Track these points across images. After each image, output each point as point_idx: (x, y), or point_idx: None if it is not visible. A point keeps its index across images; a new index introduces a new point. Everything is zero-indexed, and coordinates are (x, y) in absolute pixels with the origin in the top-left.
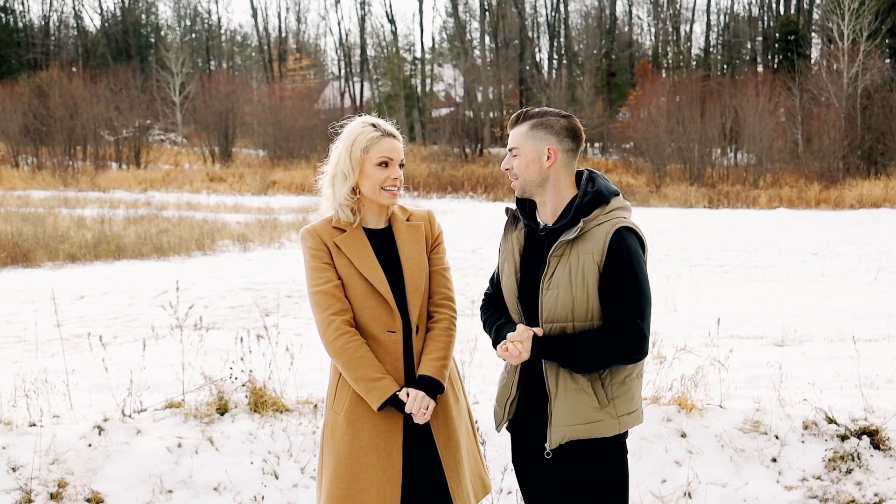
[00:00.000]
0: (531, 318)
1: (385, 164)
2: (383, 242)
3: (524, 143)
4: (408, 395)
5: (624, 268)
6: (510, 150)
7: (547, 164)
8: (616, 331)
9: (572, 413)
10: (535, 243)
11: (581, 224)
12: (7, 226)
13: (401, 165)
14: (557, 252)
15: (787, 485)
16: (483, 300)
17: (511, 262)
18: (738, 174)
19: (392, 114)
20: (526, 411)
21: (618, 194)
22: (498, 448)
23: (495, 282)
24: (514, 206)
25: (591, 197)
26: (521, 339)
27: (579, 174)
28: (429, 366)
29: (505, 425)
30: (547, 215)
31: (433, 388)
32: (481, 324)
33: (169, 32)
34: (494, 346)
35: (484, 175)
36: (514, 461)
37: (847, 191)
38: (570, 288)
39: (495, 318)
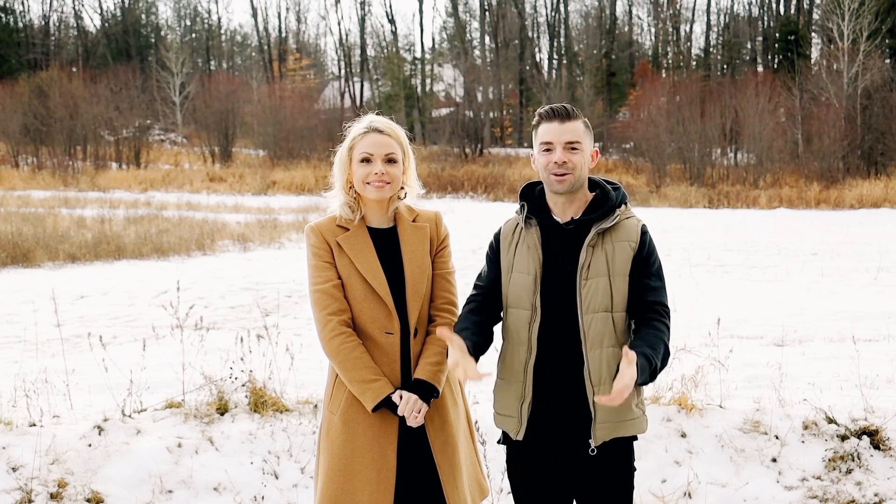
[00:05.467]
0: (552, 312)
1: (366, 160)
2: (387, 243)
3: (585, 140)
4: (401, 397)
5: (655, 261)
6: (569, 143)
7: (592, 165)
8: (660, 319)
9: (618, 409)
10: (555, 238)
11: (618, 213)
12: (7, 226)
13: (391, 161)
14: (592, 241)
15: (787, 485)
16: (469, 305)
17: (533, 258)
18: (738, 174)
19: (392, 114)
20: (541, 418)
21: None
22: (498, 448)
23: (487, 281)
24: (524, 203)
25: (622, 193)
26: (623, 389)
27: (589, 179)
28: (425, 370)
29: (524, 431)
30: (569, 212)
31: (427, 391)
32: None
33: (169, 32)
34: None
35: (484, 175)
36: (517, 468)
37: (847, 191)
38: (609, 276)
39: (470, 329)
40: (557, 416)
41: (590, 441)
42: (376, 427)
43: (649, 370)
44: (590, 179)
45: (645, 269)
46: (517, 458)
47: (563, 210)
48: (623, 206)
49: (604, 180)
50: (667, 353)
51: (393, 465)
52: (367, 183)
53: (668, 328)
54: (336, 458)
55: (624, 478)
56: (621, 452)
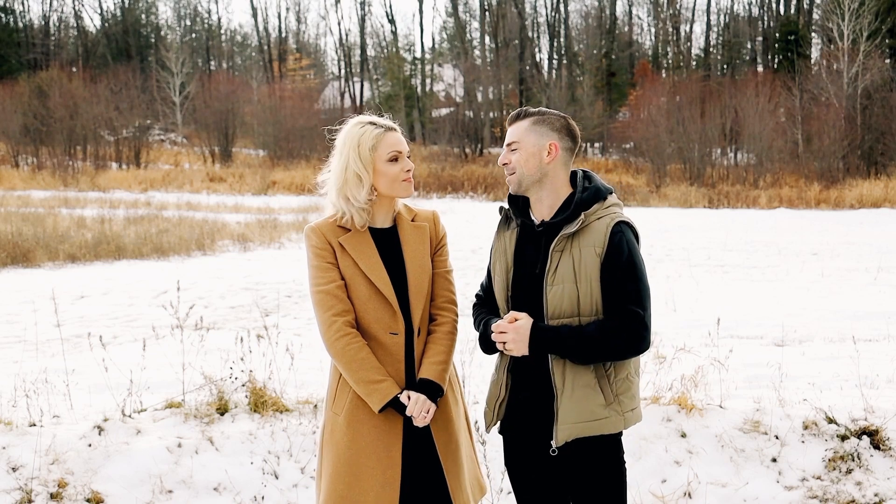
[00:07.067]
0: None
1: (395, 158)
2: (388, 242)
3: (525, 138)
4: (409, 397)
5: (624, 260)
6: (508, 145)
7: (547, 160)
8: (619, 321)
9: (580, 410)
10: (530, 240)
11: (582, 217)
12: (7, 226)
13: (407, 156)
14: (559, 247)
15: (787, 485)
16: (475, 301)
17: (503, 259)
18: (738, 174)
19: (392, 114)
20: (522, 411)
21: (612, 192)
22: (497, 448)
23: (486, 283)
24: (506, 205)
25: (590, 192)
26: (504, 329)
27: (574, 174)
28: (430, 369)
29: (496, 426)
30: (543, 212)
31: (434, 391)
32: (472, 322)
33: (169, 32)
34: (481, 342)
35: (484, 175)
36: (508, 462)
37: (847, 191)
38: (575, 282)
39: (484, 315)
40: (528, 415)
41: (551, 442)
42: (381, 427)
43: (555, 341)
44: (574, 175)
45: (615, 274)
46: (509, 451)
47: (536, 209)
48: (597, 204)
49: (585, 175)
50: (601, 345)
51: (398, 465)
52: (402, 181)
53: (626, 329)
54: (341, 459)
55: (612, 474)
56: (602, 449)
